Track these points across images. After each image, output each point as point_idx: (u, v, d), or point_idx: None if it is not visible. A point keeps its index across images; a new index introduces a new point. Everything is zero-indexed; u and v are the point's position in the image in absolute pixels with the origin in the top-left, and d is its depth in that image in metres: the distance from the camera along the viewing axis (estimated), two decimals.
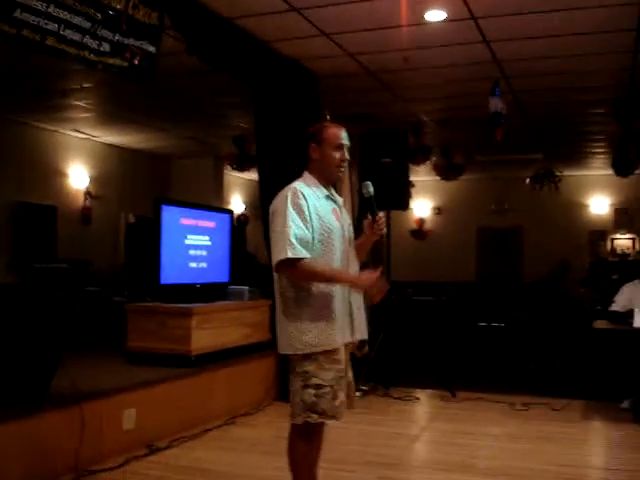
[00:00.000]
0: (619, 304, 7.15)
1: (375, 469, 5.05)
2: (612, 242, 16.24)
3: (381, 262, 8.51)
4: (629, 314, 6.69)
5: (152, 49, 5.43)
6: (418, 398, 7.66)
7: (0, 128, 10.43)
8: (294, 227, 3.35)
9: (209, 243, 7.22)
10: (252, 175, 12.72)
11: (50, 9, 4.48)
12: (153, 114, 10.63)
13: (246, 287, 7.37)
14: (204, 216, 7.29)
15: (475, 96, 8.71)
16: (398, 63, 7.76)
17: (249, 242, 14.44)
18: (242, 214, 15.72)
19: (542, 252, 15.06)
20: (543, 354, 9.14)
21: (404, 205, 8.41)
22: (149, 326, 6.47)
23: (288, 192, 3.49)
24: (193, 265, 7.00)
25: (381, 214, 3.64)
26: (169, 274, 6.60)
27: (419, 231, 17.35)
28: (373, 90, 9.04)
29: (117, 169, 12.99)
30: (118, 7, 5.05)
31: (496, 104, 7.83)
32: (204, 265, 7.15)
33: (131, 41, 5.22)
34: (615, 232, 16.23)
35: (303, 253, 3.34)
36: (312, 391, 3.41)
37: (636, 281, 7.29)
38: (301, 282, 3.42)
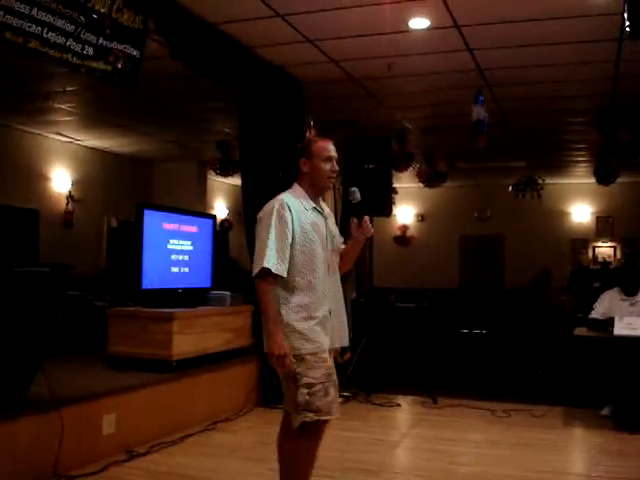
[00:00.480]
0: (598, 311, 7.19)
1: (355, 475, 5.05)
2: (594, 250, 16.34)
3: (364, 270, 8.53)
4: (609, 322, 6.73)
5: (136, 53, 5.42)
6: (399, 404, 7.66)
7: None
8: (275, 241, 3.52)
9: (191, 248, 7.20)
10: (236, 180, 12.72)
11: (33, 12, 4.46)
12: (136, 118, 10.60)
13: (228, 292, 7.35)
14: (186, 221, 7.26)
15: (458, 104, 8.75)
16: (382, 70, 7.78)
17: (232, 247, 14.42)
18: (225, 219, 15.69)
19: (524, 260, 15.11)
20: (524, 361, 9.17)
21: (387, 212, 8.43)
22: (130, 331, 6.44)
23: (275, 204, 3.63)
24: (175, 270, 6.98)
25: (366, 218, 3.77)
26: (151, 279, 6.58)
27: (402, 238, 17.40)
28: (357, 97, 9.06)
29: (100, 173, 12.93)
30: (102, 10, 5.03)
31: (479, 112, 7.87)
32: (186, 270, 7.12)
33: (115, 45, 5.21)
34: (597, 240, 16.33)
35: (276, 268, 3.49)
36: (305, 390, 3.53)
37: (616, 289, 7.34)
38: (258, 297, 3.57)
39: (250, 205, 7.68)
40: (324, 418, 3.58)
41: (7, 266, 9.87)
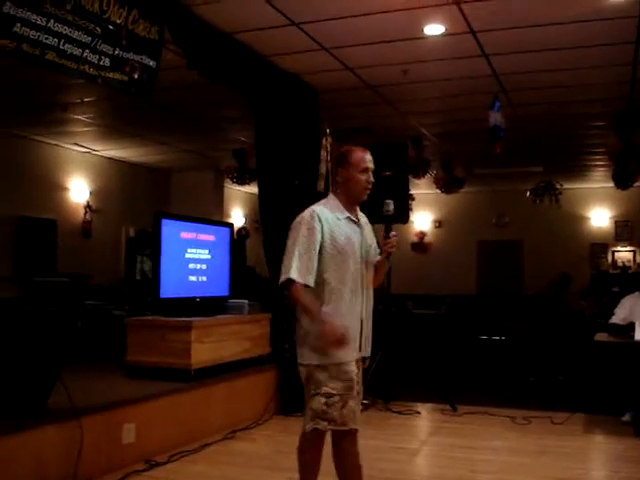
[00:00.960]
0: (619, 317, 7.14)
1: None
2: (613, 254, 16.23)
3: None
4: (630, 327, 6.67)
5: (152, 63, 5.45)
6: (419, 412, 7.63)
7: (1, 142, 10.46)
8: (302, 251, 3.52)
9: (209, 257, 7.21)
10: (252, 189, 12.74)
11: (50, 24, 4.50)
12: (153, 128, 10.66)
13: (246, 301, 7.35)
14: (204, 230, 7.28)
15: (474, 109, 8.73)
16: (397, 77, 7.78)
17: (249, 255, 14.44)
18: (243, 227, 15.72)
19: (543, 265, 15.02)
20: (544, 367, 9.11)
21: (404, 218, 8.40)
22: (149, 340, 6.46)
23: (306, 214, 3.63)
24: (193, 279, 6.99)
25: (393, 233, 3.74)
26: (169, 288, 6.60)
27: (420, 244, 17.34)
28: (373, 104, 9.06)
29: (117, 183, 13.01)
30: (118, 21, 5.07)
31: (496, 118, 7.85)
32: (204, 279, 7.14)
33: (131, 55, 5.25)
34: (616, 244, 16.23)
35: (302, 277, 3.49)
36: (322, 399, 3.52)
37: (636, 293, 7.28)
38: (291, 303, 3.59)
39: (267, 213, 7.71)
40: (338, 429, 3.56)
41: (26, 276, 9.96)
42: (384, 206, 3.79)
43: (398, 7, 5.87)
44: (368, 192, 3.76)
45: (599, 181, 14.99)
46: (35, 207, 11.06)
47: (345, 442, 3.66)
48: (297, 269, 3.48)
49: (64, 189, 11.86)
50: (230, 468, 5.45)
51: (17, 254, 10.67)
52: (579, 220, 16.35)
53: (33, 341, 4.75)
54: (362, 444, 3.75)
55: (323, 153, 7.60)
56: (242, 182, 11.97)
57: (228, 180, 12.69)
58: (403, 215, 8.29)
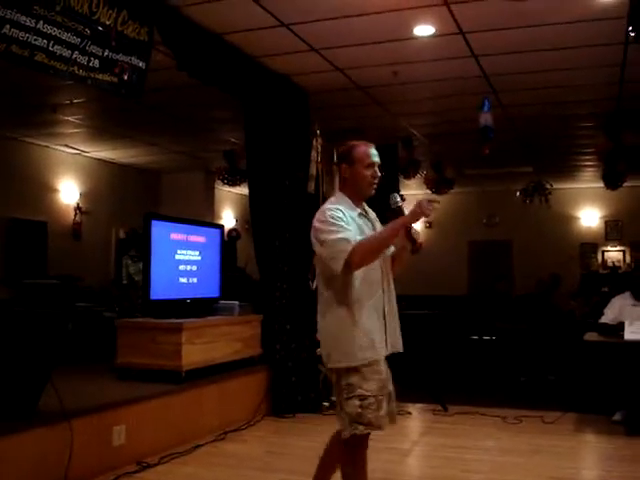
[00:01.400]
0: (609, 317, 7.17)
1: None
2: (603, 254, 16.29)
3: None
4: (620, 326, 6.70)
5: (141, 64, 5.44)
6: (410, 412, 7.63)
7: None
8: (337, 230, 3.39)
9: (199, 258, 7.21)
10: (243, 190, 12.71)
11: (39, 25, 4.49)
12: (143, 129, 10.64)
13: (236, 302, 7.35)
14: (194, 231, 7.28)
15: (464, 110, 8.75)
16: (388, 78, 7.79)
17: (240, 257, 14.42)
18: (233, 229, 15.70)
19: (533, 265, 15.05)
20: (535, 367, 9.14)
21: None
22: (139, 342, 6.45)
23: (325, 209, 3.53)
24: (183, 280, 6.99)
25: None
26: (159, 289, 6.59)
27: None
28: (363, 104, 9.06)
29: (108, 184, 12.97)
30: (107, 23, 5.07)
31: (486, 118, 7.86)
32: (194, 280, 7.13)
33: (120, 57, 5.24)
34: (606, 244, 16.29)
35: (351, 243, 3.35)
36: (357, 402, 3.43)
37: (626, 294, 7.31)
38: (370, 261, 3.42)
39: (257, 214, 7.71)
40: (374, 432, 3.51)
41: (16, 278, 9.93)
42: (390, 199, 3.66)
43: (388, 8, 5.88)
44: (375, 187, 3.69)
45: (589, 181, 15.04)
46: (25, 209, 11.02)
47: (363, 447, 3.63)
48: (345, 240, 3.34)
49: (54, 191, 11.82)
50: (221, 469, 5.44)
51: (7, 256, 10.63)
52: (569, 220, 16.41)
53: (23, 343, 4.73)
54: None
55: (313, 154, 7.61)
56: (233, 183, 11.94)
57: (219, 181, 12.67)
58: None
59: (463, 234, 16.87)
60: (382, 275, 3.60)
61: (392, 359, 3.70)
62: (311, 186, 7.52)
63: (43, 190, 11.58)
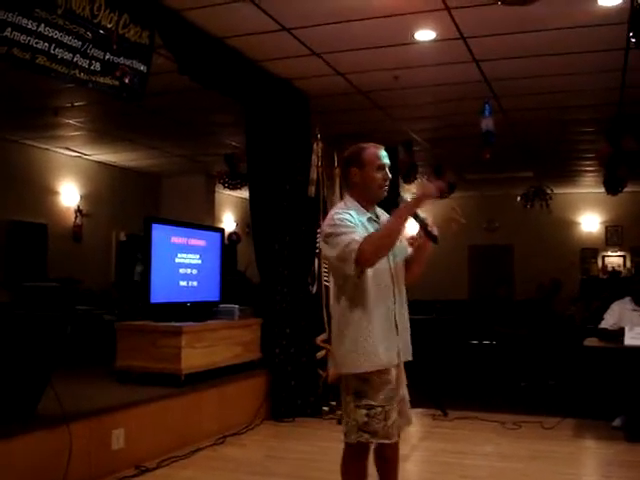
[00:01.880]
0: (608, 322, 7.15)
1: None
2: (603, 259, 16.29)
3: None
4: (620, 332, 6.69)
5: (143, 68, 5.44)
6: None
7: None
8: (346, 232, 3.34)
9: (199, 262, 7.21)
10: (244, 193, 12.71)
11: (40, 28, 4.49)
12: (144, 132, 10.64)
13: (236, 306, 7.34)
14: (194, 235, 7.28)
15: (465, 115, 8.76)
16: (388, 82, 7.79)
17: (240, 260, 14.41)
18: (234, 232, 15.70)
19: (533, 270, 15.06)
20: (534, 372, 9.13)
21: None
22: (139, 345, 6.44)
23: (333, 213, 3.49)
24: (183, 284, 6.98)
25: (424, 216, 3.60)
26: (159, 293, 6.58)
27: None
28: (363, 109, 9.07)
29: (108, 187, 12.97)
30: (109, 26, 5.07)
31: (487, 123, 7.87)
32: (194, 284, 7.13)
33: (122, 60, 5.24)
34: (606, 249, 16.29)
35: (358, 237, 3.30)
36: (364, 411, 3.39)
37: (626, 299, 7.30)
38: (380, 254, 3.36)
39: (258, 218, 7.71)
40: (380, 442, 3.46)
41: (16, 281, 9.92)
42: (400, 200, 3.54)
43: (389, 13, 5.88)
44: (386, 190, 3.58)
45: (589, 186, 15.05)
46: (25, 211, 11.01)
47: (388, 450, 3.58)
48: (354, 241, 3.28)
49: (55, 193, 11.82)
50: (220, 473, 5.44)
51: (7, 259, 10.62)
52: (569, 225, 16.42)
53: (23, 346, 4.73)
54: None
55: (314, 158, 7.60)
56: (233, 187, 11.94)
57: (219, 185, 12.67)
58: None
59: (463, 239, 16.83)
60: (393, 283, 3.54)
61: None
62: (311, 190, 7.52)
63: (43, 193, 11.58)
